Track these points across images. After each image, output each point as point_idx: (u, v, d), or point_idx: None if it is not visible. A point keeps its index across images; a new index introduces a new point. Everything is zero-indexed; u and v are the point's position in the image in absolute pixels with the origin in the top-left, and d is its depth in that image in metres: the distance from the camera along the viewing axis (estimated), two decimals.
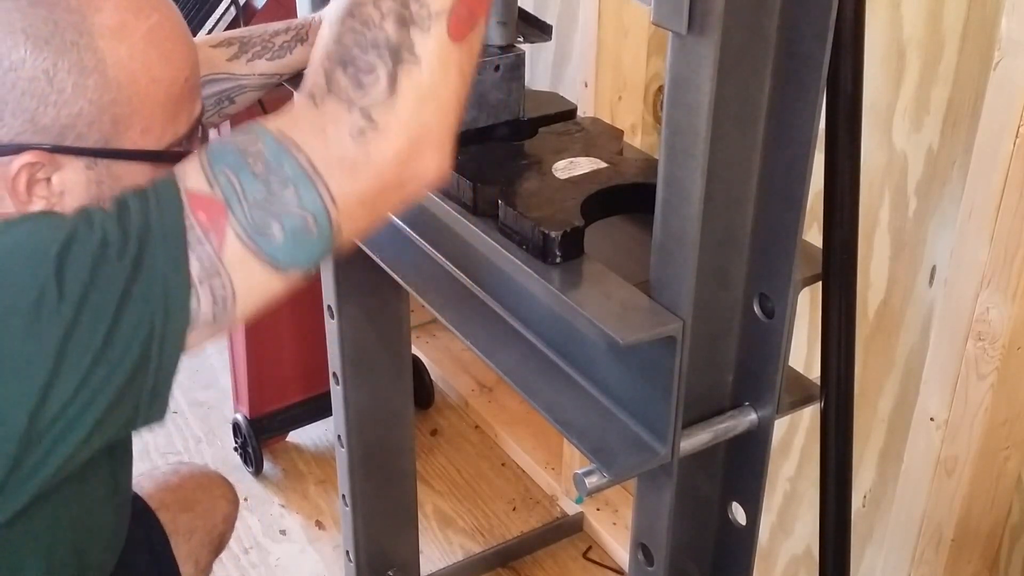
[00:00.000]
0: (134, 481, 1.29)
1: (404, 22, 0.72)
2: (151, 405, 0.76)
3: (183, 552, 1.26)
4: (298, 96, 0.76)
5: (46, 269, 0.71)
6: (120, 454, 1.04)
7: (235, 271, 0.75)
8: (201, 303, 0.75)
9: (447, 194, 0.98)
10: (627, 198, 0.97)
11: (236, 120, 1.83)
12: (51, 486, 0.77)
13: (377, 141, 0.73)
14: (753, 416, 0.88)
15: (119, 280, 0.72)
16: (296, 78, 1.22)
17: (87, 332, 0.72)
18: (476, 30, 0.75)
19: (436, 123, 0.74)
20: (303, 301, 2.07)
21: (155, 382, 0.76)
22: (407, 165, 0.74)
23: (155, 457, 2.22)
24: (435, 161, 0.75)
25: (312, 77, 0.74)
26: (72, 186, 0.80)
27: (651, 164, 0.99)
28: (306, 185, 0.73)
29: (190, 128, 0.85)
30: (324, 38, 0.75)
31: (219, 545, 1.34)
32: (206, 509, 1.31)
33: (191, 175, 0.75)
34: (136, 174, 0.82)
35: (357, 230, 0.78)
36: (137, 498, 1.26)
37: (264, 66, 1.17)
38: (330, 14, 0.75)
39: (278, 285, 0.77)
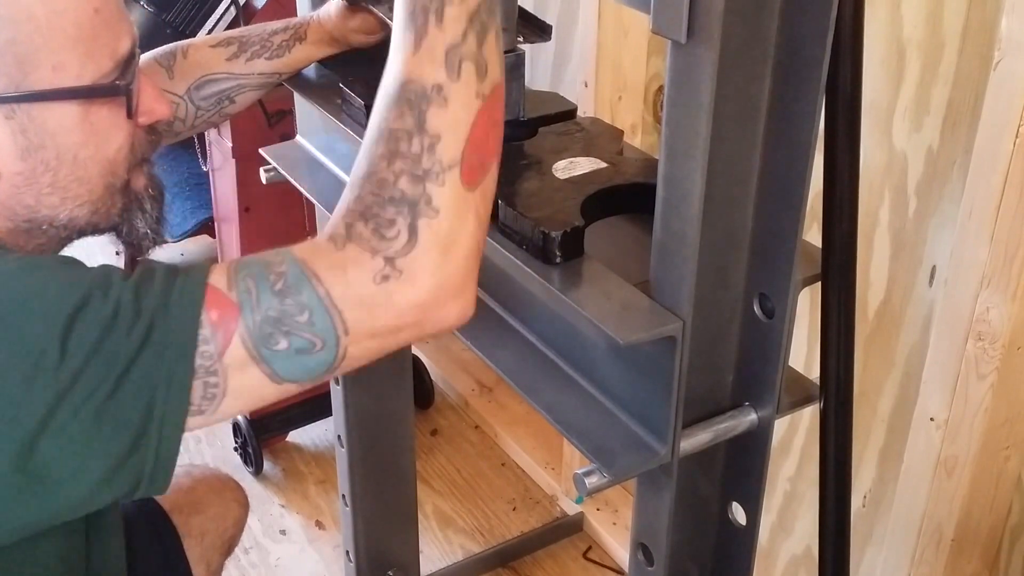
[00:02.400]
0: None
1: (418, 178, 0.73)
2: (153, 478, 0.76)
3: (195, 554, 1.27)
4: (320, 236, 0.76)
5: (53, 331, 0.71)
6: (94, 520, 1.02)
7: (232, 373, 0.74)
8: (193, 394, 0.74)
9: None
10: (627, 198, 0.97)
11: (236, 120, 1.83)
12: (48, 525, 0.78)
13: (400, 288, 0.73)
14: (753, 416, 0.88)
15: (124, 355, 0.72)
16: (295, 78, 1.22)
17: (81, 398, 0.71)
18: (489, 175, 0.76)
19: (457, 271, 0.75)
20: None
21: (157, 458, 0.75)
22: (430, 311, 0.75)
23: None
24: (459, 306, 0.76)
25: (333, 225, 0.75)
26: None
27: (651, 164, 0.99)
28: (321, 313, 0.73)
29: (117, 64, 0.82)
30: (344, 196, 0.75)
31: (229, 548, 1.35)
32: (218, 512, 1.32)
33: (216, 273, 0.75)
34: (62, 117, 0.80)
35: (364, 358, 0.78)
36: (149, 499, 1.27)
37: (263, 65, 1.17)
38: (351, 175, 0.76)
39: (271, 393, 0.77)
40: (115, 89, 0.83)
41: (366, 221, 0.73)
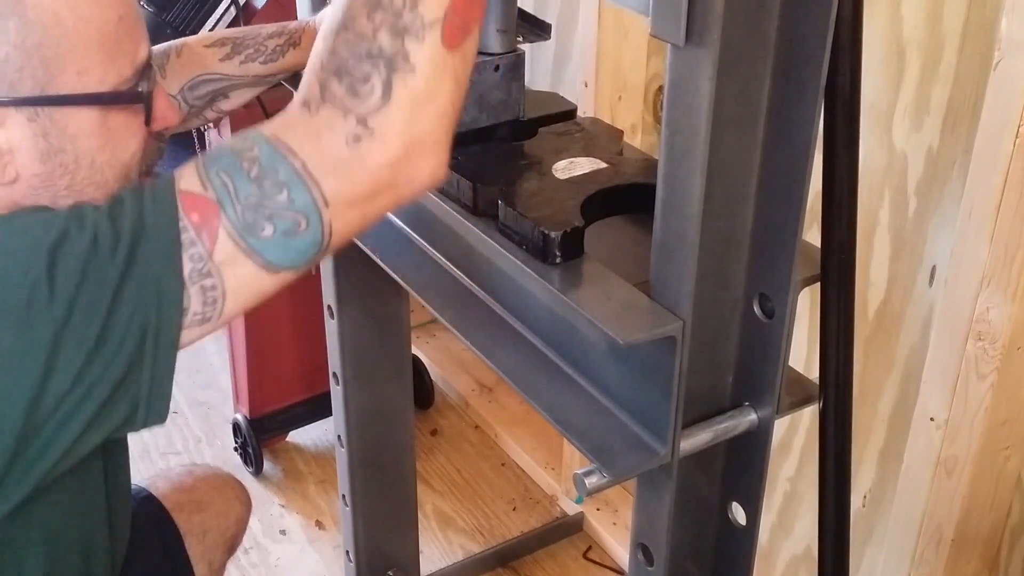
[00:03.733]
0: (149, 481, 1.31)
1: (398, 32, 0.72)
2: (150, 402, 0.77)
3: (197, 552, 1.27)
4: (293, 103, 0.76)
5: (37, 268, 0.71)
6: (116, 452, 1.04)
7: (227, 271, 0.75)
8: (192, 302, 0.75)
9: (447, 194, 0.98)
10: (627, 198, 0.97)
11: (236, 119, 1.83)
12: (49, 480, 0.78)
13: (372, 147, 0.73)
14: (753, 416, 0.88)
15: (111, 278, 0.73)
16: (294, 78, 1.22)
17: (79, 329, 0.72)
18: (470, 38, 0.76)
19: (431, 129, 0.75)
20: (303, 301, 2.08)
21: (152, 378, 0.76)
22: (402, 170, 0.75)
23: (155, 457, 2.22)
24: (430, 166, 0.76)
25: (307, 86, 0.75)
26: (19, 142, 0.79)
27: (651, 164, 0.99)
28: (299, 188, 0.74)
29: (136, 71, 0.83)
30: (318, 50, 0.75)
31: (232, 546, 1.35)
32: (219, 510, 1.32)
33: (186, 177, 0.75)
34: (83, 122, 0.81)
35: (349, 230, 0.78)
36: (152, 498, 1.28)
37: (257, 68, 1.17)
38: (323, 27, 0.75)
39: (269, 284, 0.77)
40: (137, 96, 0.83)
41: (340, 77, 0.73)
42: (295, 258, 0.77)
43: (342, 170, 0.74)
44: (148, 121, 0.86)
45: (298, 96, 0.75)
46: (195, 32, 1.76)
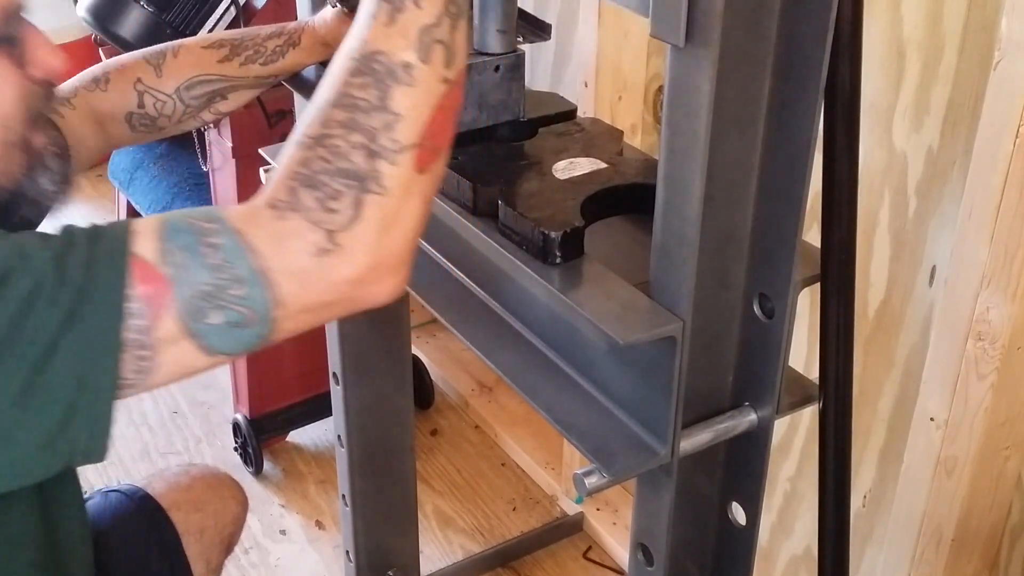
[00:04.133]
0: (145, 481, 1.31)
1: (372, 154, 0.72)
2: (88, 455, 0.75)
3: (194, 551, 1.27)
4: (260, 199, 0.74)
5: None
6: (51, 488, 1.00)
7: (164, 347, 0.73)
8: (123, 368, 0.73)
9: (447, 194, 0.98)
10: (627, 198, 0.97)
11: (236, 120, 1.83)
12: None
13: (337, 262, 0.73)
14: (753, 416, 0.88)
15: (48, 330, 0.70)
16: (295, 79, 1.21)
17: (7, 375, 0.70)
18: (441, 160, 0.76)
19: (398, 250, 0.75)
20: None
21: (90, 435, 0.74)
22: (363, 287, 0.75)
23: (155, 457, 2.22)
24: (391, 284, 0.76)
25: (276, 188, 0.74)
26: None
27: (651, 164, 0.99)
28: (257, 287, 0.72)
29: (2, 16, 0.81)
30: (289, 157, 0.74)
31: (229, 545, 1.35)
32: (216, 510, 1.32)
33: (143, 240, 0.73)
34: None
35: (295, 330, 0.77)
36: (148, 498, 1.27)
37: (256, 70, 1.17)
38: (299, 130, 0.75)
39: (202, 365, 0.76)
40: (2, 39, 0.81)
41: (311, 190, 0.72)
42: (235, 347, 0.75)
43: (302, 279, 0.73)
44: (20, 66, 0.84)
45: (266, 194, 0.74)
46: (195, 33, 1.76)
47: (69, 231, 0.74)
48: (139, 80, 1.13)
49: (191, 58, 1.15)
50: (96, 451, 0.75)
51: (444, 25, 0.74)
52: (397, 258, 0.75)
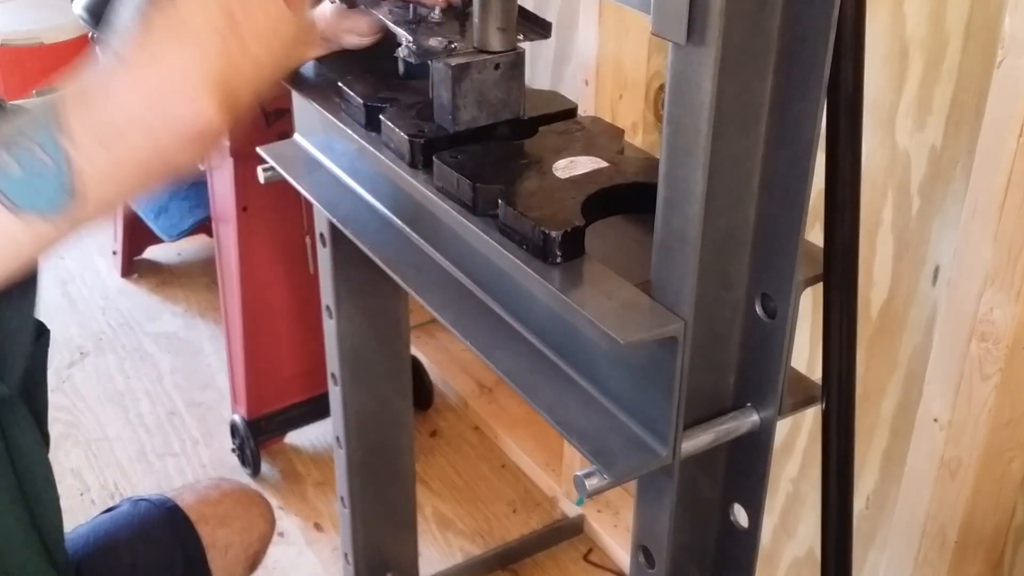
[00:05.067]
0: (176, 493, 1.31)
1: None
2: None
3: (218, 565, 1.28)
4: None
5: None
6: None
7: None
8: None
9: (447, 194, 0.98)
10: (628, 197, 0.97)
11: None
12: None
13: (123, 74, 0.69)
14: (755, 417, 0.87)
15: None
16: (293, 76, 1.20)
17: None
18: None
19: (188, 61, 0.70)
20: (302, 301, 2.07)
21: None
22: (156, 102, 0.70)
23: (152, 459, 2.21)
24: (194, 105, 0.70)
25: None
26: None
27: (652, 163, 0.99)
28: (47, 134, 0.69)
29: None
30: None
31: (254, 563, 1.36)
32: (243, 526, 1.32)
33: None
34: None
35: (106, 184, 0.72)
36: (177, 509, 1.28)
37: None
38: None
39: (16, 231, 0.71)
40: None
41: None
42: (39, 200, 0.70)
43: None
44: None
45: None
46: None
47: None
48: None
49: None
50: None
51: None
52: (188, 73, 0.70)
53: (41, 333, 0.95)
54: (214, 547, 1.28)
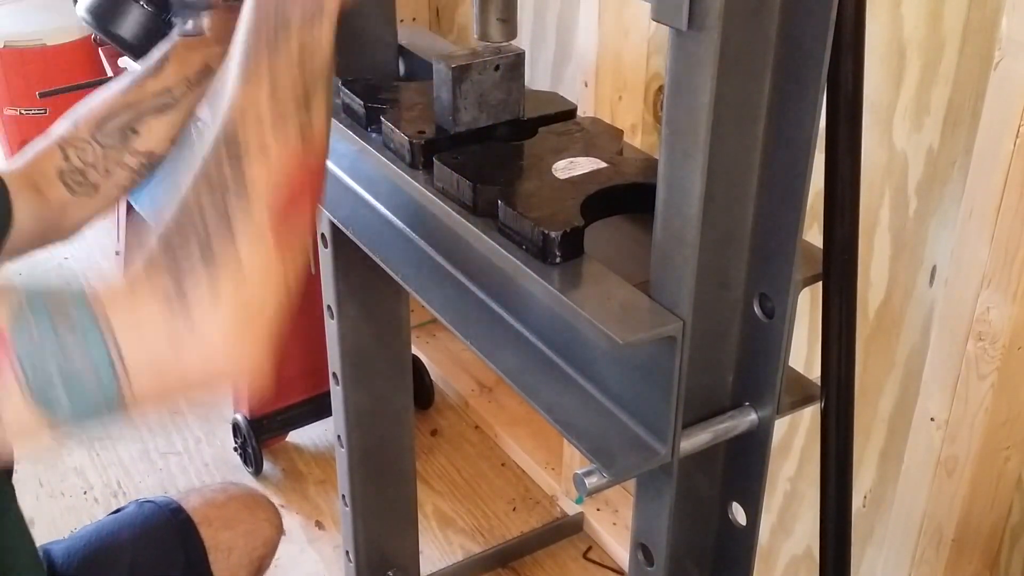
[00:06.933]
0: (182, 495, 1.31)
1: (230, 240, 0.71)
2: None
3: (220, 568, 1.28)
4: (120, 279, 0.72)
5: None
6: None
7: (4, 410, 0.68)
8: None
9: (447, 194, 0.98)
10: (627, 198, 0.97)
11: None
12: None
13: (193, 353, 0.71)
14: (753, 416, 0.88)
15: None
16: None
17: None
18: (300, 244, 0.75)
19: (256, 338, 0.74)
20: (303, 301, 2.07)
21: None
22: (220, 378, 0.73)
23: (155, 457, 2.22)
24: (250, 375, 0.75)
25: (135, 272, 0.71)
26: None
27: (651, 164, 0.99)
28: (108, 372, 0.69)
29: None
30: (152, 236, 0.72)
31: (259, 568, 1.35)
32: (248, 530, 1.32)
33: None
34: None
35: (145, 413, 0.75)
36: (180, 510, 1.29)
37: (151, 84, 1.11)
38: (165, 207, 0.73)
39: (45, 436, 0.71)
40: None
41: (170, 274, 0.70)
42: (81, 415, 0.71)
43: (157, 369, 0.71)
44: None
45: (128, 275, 0.72)
46: None
47: None
48: (60, 136, 1.09)
49: (98, 99, 1.10)
50: None
51: (302, 100, 0.73)
52: (257, 347, 0.74)
53: None
54: (216, 549, 1.28)
